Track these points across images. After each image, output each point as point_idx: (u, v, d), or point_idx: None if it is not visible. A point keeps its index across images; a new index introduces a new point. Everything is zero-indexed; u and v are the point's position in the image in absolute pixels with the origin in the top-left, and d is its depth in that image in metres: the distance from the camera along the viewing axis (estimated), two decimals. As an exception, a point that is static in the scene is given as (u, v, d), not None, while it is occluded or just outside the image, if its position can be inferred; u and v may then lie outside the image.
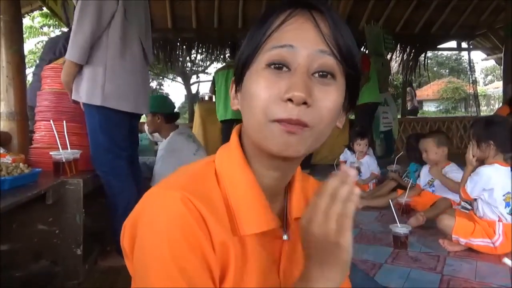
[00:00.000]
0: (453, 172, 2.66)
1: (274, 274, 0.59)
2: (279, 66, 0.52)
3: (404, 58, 8.35)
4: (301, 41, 0.52)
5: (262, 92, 0.51)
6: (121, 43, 1.93)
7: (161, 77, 18.94)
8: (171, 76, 18.28)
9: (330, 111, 0.53)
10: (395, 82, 14.24)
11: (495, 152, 2.05)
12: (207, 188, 0.54)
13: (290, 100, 0.50)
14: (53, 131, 1.94)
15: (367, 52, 6.55)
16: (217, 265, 0.51)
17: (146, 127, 3.04)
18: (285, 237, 0.61)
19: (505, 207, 2.00)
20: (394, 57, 8.32)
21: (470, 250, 2.03)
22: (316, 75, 0.52)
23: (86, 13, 1.82)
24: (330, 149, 5.18)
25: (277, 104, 0.51)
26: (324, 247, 0.49)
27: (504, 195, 2.00)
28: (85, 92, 1.92)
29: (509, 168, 2.04)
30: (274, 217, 0.57)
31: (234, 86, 0.61)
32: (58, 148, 1.92)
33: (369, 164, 3.66)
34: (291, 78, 0.51)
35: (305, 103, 0.50)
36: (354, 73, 0.56)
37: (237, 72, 0.58)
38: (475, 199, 2.11)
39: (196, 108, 6.02)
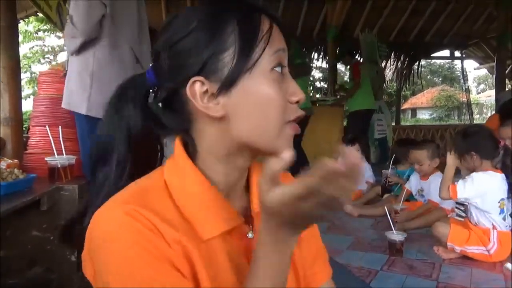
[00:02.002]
0: (437, 185, 2.69)
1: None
2: (279, 68, 0.55)
3: (398, 66, 8.44)
4: (284, 44, 0.57)
5: (277, 95, 0.54)
6: (109, 51, 1.93)
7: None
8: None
9: None
10: (389, 90, 14.35)
11: (479, 162, 2.06)
12: (154, 200, 0.53)
13: (296, 102, 0.56)
14: (48, 136, 1.93)
15: (361, 59, 6.62)
16: (184, 264, 0.50)
17: None
18: (249, 234, 0.60)
19: (499, 214, 2.02)
20: (388, 65, 8.41)
21: (465, 257, 2.03)
22: None
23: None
24: (312, 158, 5.19)
25: (288, 106, 0.56)
26: (285, 224, 0.48)
27: (498, 202, 2.01)
28: (73, 100, 1.93)
29: (502, 174, 2.06)
30: (234, 215, 0.57)
31: (199, 88, 0.54)
32: (54, 153, 1.91)
33: (364, 172, 3.66)
34: (290, 81, 0.57)
35: None
36: None
37: (229, 75, 0.53)
38: (467, 206, 2.13)
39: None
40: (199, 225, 0.54)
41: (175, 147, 0.60)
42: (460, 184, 2.04)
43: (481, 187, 2.01)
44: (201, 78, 0.54)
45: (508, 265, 0.79)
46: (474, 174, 2.05)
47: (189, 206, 0.55)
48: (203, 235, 0.54)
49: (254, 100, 0.53)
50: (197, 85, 0.55)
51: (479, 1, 7.08)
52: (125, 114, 0.62)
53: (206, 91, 0.55)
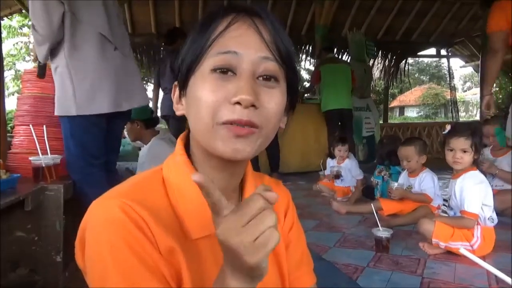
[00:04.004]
0: (427, 182, 2.75)
1: None
2: (224, 70, 0.54)
3: (386, 65, 8.51)
4: (244, 48, 0.54)
5: (209, 95, 0.53)
6: (79, 47, 1.89)
7: (144, 81, 18.75)
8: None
9: (276, 112, 0.55)
10: (377, 88, 14.46)
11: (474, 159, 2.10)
12: (150, 195, 0.55)
13: (238, 103, 0.52)
14: (32, 136, 1.91)
15: (349, 58, 6.66)
16: (169, 267, 0.51)
17: (125, 133, 3.00)
18: None
19: (493, 211, 2.07)
20: (376, 63, 8.48)
21: (449, 252, 2.07)
22: (261, 78, 0.55)
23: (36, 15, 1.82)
24: (302, 157, 5.23)
25: (225, 107, 0.52)
26: (232, 258, 0.44)
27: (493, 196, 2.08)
28: (58, 104, 1.92)
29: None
30: None
31: (177, 91, 0.62)
32: (38, 153, 1.88)
33: (350, 168, 3.69)
34: (238, 82, 0.53)
35: (253, 105, 0.52)
36: (293, 76, 0.59)
37: (181, 77, 0.58)
38: (449, 202, 2.17)
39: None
40: (189, 224, 0.56)
41: (176, 144, 0.64)
42: (475, 210, 1.99)
43: (483, 193, 2.03)
44: (176, 83, 0.61)
45: (462, 249, 0.81)
46: (468, 188, 2.02)
47: (181, 205, 0.56)
48: (191, 235, 0.55)
49: (191, 101, 0.56)
50: (176, 89, 0.62)
51: (464, 1, 7.18)
52: None
53: (180, 94, 0.61)
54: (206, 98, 0.53)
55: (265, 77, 0.55)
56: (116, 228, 0.49)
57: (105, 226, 0.50)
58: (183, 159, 0.60)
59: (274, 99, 0.55)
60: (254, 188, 0.64)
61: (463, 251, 0.77)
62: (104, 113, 1.94)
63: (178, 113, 0.61)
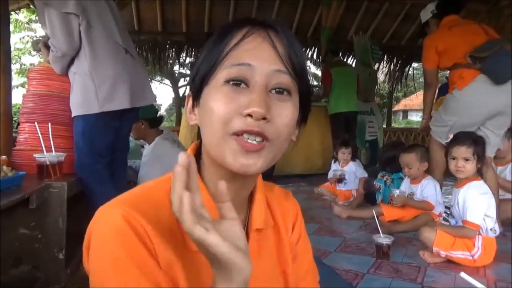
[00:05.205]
0: (429, 189, 2.74)
1: None
2: (237, 82, 0.54)
3: (391, 69, 8.50)
4: (258, 60, 0.54)
5: (222, 107, 0.53)
6: (97, 52, 1.99)
7: (148, 79, 18.76)
8: (158, 78, 18.14)
9: (287, 126, 0.56)
10: (382, 91, 14.45)
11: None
12: (154, 205, 0.55)
13: (249, 115, 0.52)
14: (37, 133, 1.92)
15: (354, 62, 6.64)
16: (167, 279, 0.51)
17: None
18: None
19: (495, 222, 2.07)
20: (381, 67, 8.46)
21: (449, 261, 2.07)
22: (274, 91, 0.55)
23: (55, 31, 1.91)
24: (306, 159, 5.23)
25: (236, 118, 0.53)
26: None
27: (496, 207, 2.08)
28: (78, 104, 1.99)
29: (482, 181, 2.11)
30: None
31: (190, 101, 0.62)
32: (43, 150, 1.89)
33: (355, 170, 3.68)
34: (250, 95, 0.53)
35: (264, 118, 0.52)
36: (306, 90, 0.59)
37: (195, 88, 0.59)
38: (451, 211, 2.17)
39: (184, 111, 6.00)
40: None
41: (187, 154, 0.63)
42: (476, 220, 1.99)
43: (486, 204, 2.04)
44: (189, 93, 0.62)
45: (463, 274, 0.82)
46: (471, 198, 2.02)
47: None
48: (192, 246, 0.55)
49: (204, 111, 0.57)
50: (190, 99, 0.62)
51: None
52: None
53: (193, 104, 0.61)
54: (218, 110, 0.53)
55: (278, 90, 0.55)
56: (118, 237, 0.50)
57: (108, 234, 0.51)
58: None
59: (286, 113, 0.55)
60: (263, 200, 0.65)
61: (463, 275, 0.79)
62: (119, 112, 2.04)
63: (191, 123, 0.61)
